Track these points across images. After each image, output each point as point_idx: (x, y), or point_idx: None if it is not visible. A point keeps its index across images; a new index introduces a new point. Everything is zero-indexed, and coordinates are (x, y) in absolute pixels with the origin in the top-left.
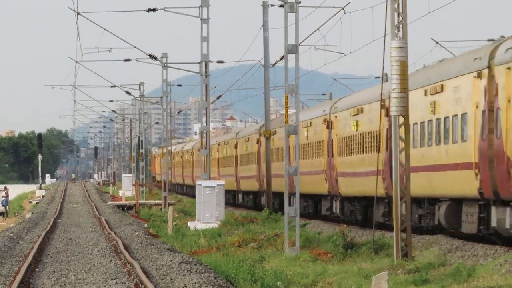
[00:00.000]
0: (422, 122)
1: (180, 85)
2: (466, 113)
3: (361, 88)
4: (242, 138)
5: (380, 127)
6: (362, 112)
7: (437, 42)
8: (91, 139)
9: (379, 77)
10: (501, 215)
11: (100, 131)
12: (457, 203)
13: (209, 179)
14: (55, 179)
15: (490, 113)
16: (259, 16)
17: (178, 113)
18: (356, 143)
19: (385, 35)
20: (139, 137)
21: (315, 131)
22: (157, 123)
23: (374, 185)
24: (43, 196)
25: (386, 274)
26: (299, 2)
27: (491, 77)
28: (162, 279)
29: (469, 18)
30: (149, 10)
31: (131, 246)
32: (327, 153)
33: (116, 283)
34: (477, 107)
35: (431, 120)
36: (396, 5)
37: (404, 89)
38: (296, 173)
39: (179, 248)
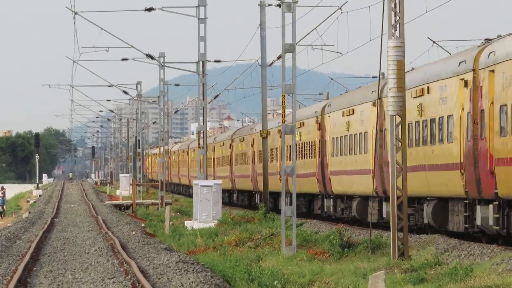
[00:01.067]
0: (410, 123)
1: (178, 85)
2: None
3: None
4: (237, 138)
5: (377, 127)
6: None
7: (434, 42)
8: (89, 138)
9: (376, 77)
10: (485, 213)
11: (98, 131)
12: (444, 202)
13: (206, 179)
14: (52, 179)
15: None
16: (256, 16)
17: (175, 112)
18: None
19: (382, 34)
20: (136, 137)
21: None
22: (154, 122)
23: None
24: (40, 196)
25: (383, 274)
26: (296, 2)
27: (476, 80)
28: (159, 279)
29: (466, 18)
30: (147, 9)
31: (128, 246)
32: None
33: (113, 282)
34: (463, 109)
35: (418, 121)
36: (393, 5)
37: (401, 88)
38: (293, 173)
39: (176, 247)
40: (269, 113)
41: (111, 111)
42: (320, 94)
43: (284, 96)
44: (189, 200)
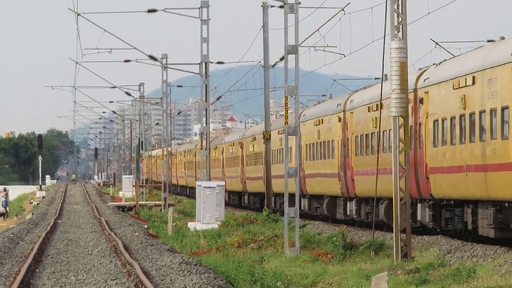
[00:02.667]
0: (312, 143)
1: (180, 86)
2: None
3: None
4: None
5: (379, 129)
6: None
7: (436, 43)
8: (91, 140)
9: (378, 78)
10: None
11: (100, 132)
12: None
13: (209, 180)
14: (55, 180)
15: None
16: (259, 17)
17: (178, 114)
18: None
19: (384, 35)
20: (139, 138)
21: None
22: (157, 124)
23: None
24: (43, 197)
25: (386, 275)
26: (299, 3)
27: (345, 118)
28: (162, 280)
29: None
30: (149, 11)
31: (131, 247)
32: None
33: (116, 283)
34: (339, 136)
35: (317, 142)
36: (396, 6)
37: (404, 89)
38: (296, 174)
39: (179, 248)
40: (272, 114)
41: (114, 112)
42: (323, 95)
43: (287, 97)
44: (191, 202)
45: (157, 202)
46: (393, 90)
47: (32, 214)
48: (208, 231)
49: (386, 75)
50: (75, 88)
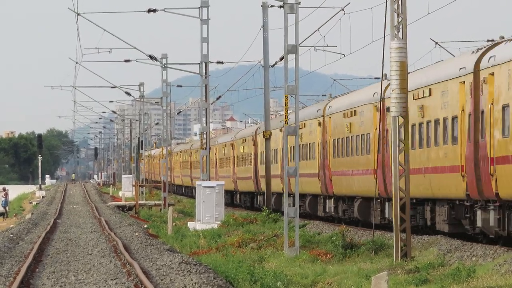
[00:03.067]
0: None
1: (180, 86)
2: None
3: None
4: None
5: (379, 129)
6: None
7: (436, 43)
8: (91, 139)
9: (378, 78)
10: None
11: (100, 132)
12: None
13: (209, 180)
14: (55, 180)
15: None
16: (259, 17)
17: (178, 113)
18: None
19: (384, 35)
20: (139, 138)
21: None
22: (157, 123)
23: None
24: (43, 197)
25: (386, 274)
26: (299, 3)
27: (324, 123)
28: (162, 280)
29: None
30: (149, 11)
31: (131, 247)
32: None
33: (116, 283)
34: (319, 140)
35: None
36: (395, 6)
37: (404, 89)
38: (296, 174)
39: (179, 248)
40: (272, 114)
41: (114, 112)
42: (322, 95)
43: (287, 97)
44: (191, 201)
45: (156, 202)
46: (393, 90)
47: (32, 214)
48: (208, 231)
49: (386, 75)
50: (75, 88)
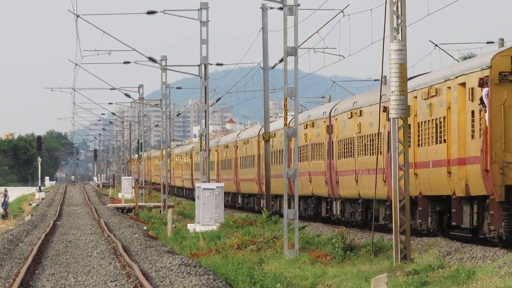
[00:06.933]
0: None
1: (180, 88)
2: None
3: (360, 90)
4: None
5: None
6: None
7: (436, 45)
8: (91, 141)
9: (378, 80)
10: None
11: (100, 134)
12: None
13: (208, 182)
14: (55, 182)
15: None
16: (258, 19)
17: (177, 115)
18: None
19: (384, 37)
20: (138, 140)
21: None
22: (156, 125)
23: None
24: (42, 199)
25: (386, 276)
26: (298, 5)
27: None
28: (161, 282)
29: (468, 21)
30: (149, 12)
31: (131, 248)
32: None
33: (116, 285)
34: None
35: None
36: (395, 8)
37: (403, 91)
38: (295, 176)
39: (179, 250)
40: (271, 116)
41: (113, 114)
42: (322, 97)
43: (286, 99)
44: (191, 203)
45: (156, 204)
46: (392, 92)
47: (32, 215)
48: (207, 232)
49: (385, 77)
50: (75, 90)
